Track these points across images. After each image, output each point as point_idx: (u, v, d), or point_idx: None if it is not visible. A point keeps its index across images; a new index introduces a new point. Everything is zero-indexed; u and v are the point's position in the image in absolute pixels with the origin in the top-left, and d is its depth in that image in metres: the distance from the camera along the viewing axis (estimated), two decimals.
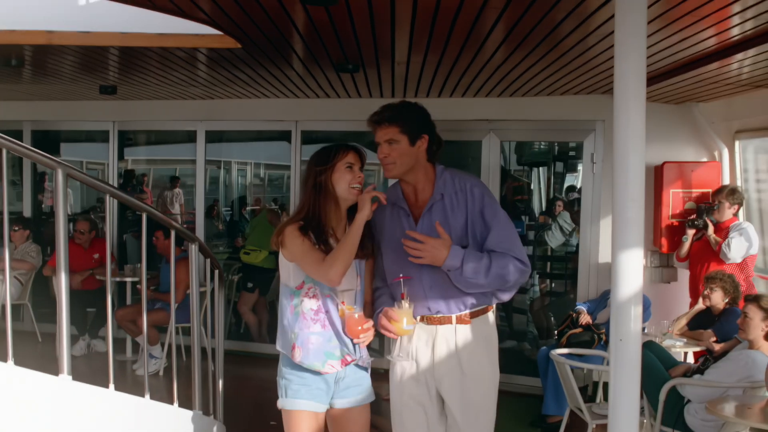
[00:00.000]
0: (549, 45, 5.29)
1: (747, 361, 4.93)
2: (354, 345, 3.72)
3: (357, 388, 3.86)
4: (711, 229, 7.09)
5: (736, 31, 4.89)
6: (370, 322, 3.66)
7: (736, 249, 6.82)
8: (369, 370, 3.95)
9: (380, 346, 7.73)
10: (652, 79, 6.51)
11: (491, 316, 3.89)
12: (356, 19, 4.67)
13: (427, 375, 3.79)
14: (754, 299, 5.16)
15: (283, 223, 3.72)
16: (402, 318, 3.58)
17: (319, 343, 3.70)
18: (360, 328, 3.60)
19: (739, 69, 6.04)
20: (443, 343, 3.76)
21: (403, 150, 3.63)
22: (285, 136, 9.30)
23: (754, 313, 5.00)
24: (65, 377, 3.97)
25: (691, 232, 7.29)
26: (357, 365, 3.83)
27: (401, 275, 3.67)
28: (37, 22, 5.42)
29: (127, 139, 10.43)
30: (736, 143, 7.67)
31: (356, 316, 3.61)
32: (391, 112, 3.64)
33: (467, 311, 3.76)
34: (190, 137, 9.57)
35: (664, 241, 7.70)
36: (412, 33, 5.03)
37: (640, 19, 3.42)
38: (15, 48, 5.87)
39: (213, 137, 9.68)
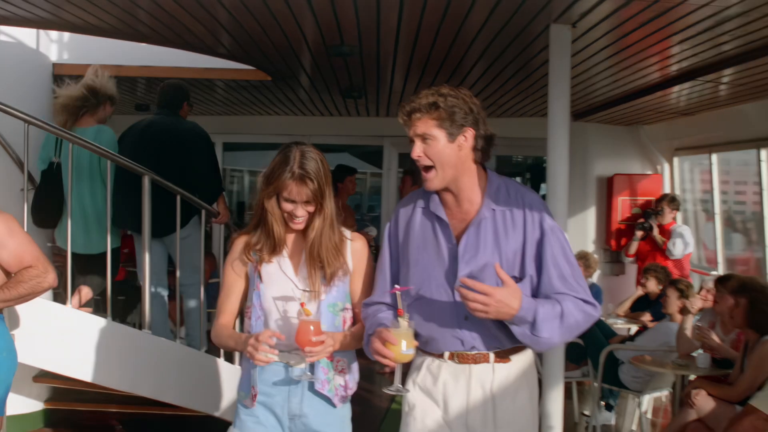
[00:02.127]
0: (519, 81, 6.63)
1: (666, 330, 6.25)
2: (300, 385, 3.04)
3: None
4: (656, 230, 8.44)
5: (674, 67, 5.91)
6: (324, 336, 2.86)
7: (679, 248, 8.18)
8: (348, 404, 3.19)
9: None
10: (606, 105, 7.83)
11: (531, 351, 3.09)
12: (366, 63, 6.02)
13: (458, 425, 3.00)
14: (672, 282, 6.49)
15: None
16: (400, 340, 2.81)
17: (245, 370, 3.15)
18: (311, 339, 2.83)
19: (677, 98, 7.23)
20: (478, 387, 2.96)
21: (441, 149, 2.85)
22: None
23: (672, 293, 6.32)
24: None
25: (639, 233, 8.63)
26: (325, 399, 3.07)
27: (396, 286, 2.93)
28: (108, 59, 6.73)
29: None
30: (675, 159, 9.02)
31: (310, 325, 2.86)
32: (426, 99, 2.86)
33: (508, 347, 2.95)
34: None
35: (613, 242, 9.08)
36: (408, 71, 6.36)
37: (565, 69, 4.57)
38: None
39: (229, 148, 10.89)
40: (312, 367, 3.00)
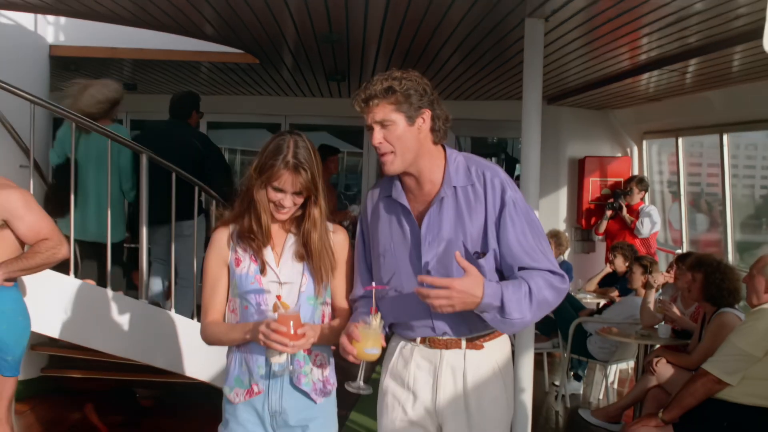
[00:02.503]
0: (492, 62, 6.96)
1: (631, 304, 6.64)
2: (279, 382, 2.94)
3: (302, 428, 3.01)
4: (625, 210, 8.82)
5: (643, 56, 6.22)
6: (306, 328, 2.77)
7: (647, 228, 8.57)
8: (331, 399, 3.10)
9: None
10: (578, 90, 8.15)
11: (507, 338, 3.06)
12: (351, 50, 6.33)
13: (427, 412, 2.99)
14: (637, 259, 6.89)
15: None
16: (366, 339, 2.75)
17: (231, 365, 3.03)
18: (291, 331, 2.72)
19: (646, 85, 7.56)
20: (449, 373, 2.94)
21: (401, 133, 2.79)
22: (274, 128, 10.55)
23: (636, 269, 6.71)
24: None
25: (609, 212, 9.01)
26: (304, 394, 2.98)
27: (373, 284, 2.88)
28: (102, 41, 7.00)
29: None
30: (644, 142, 9.41)
31: (290, 320, 2.74)
32: (381, 84, 2.79)
33: (481, 333, 2.93)
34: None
35: (583, 221, 9.45)
36: (391, 58, 6.67)
37: (538, 60, 4.88)
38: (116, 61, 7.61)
39: (212, 126, 11.14)
40: (291, 359, 2.92)
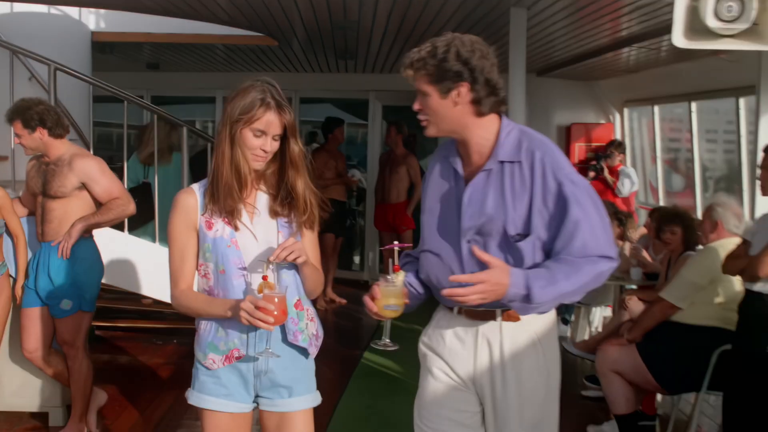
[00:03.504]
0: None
1: None
2: (265, 335, 2.87)
3: (287, 389, 2.99)
4: (606, 171, 9.68)
5: (623, 33, 6.81)
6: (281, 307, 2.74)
7: (627, 187, 9.43)
8: (311, 358, 3.08)
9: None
10: (564, 64, 8.96)
11: (551, 312, 2.93)
12: (360, 34, 7.18)
13: (465, 384, 2.93)
14: (614, 213, 7.77)
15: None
16: (387, 296, 2.79)
17: (205, 331, 2.96)
18: (276, 311, 2.70)
19: (626, 59, 8.24)
20: (485, 345, 2.87)
21: (435, 105, 2.73)
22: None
23: (612, 221, 7.61)
24: None
25: (591, 173, 9.86)
26: (294, 351, 2.98)
27: (395, 243, 2.94)
28: (131, 27, 7.86)
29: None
30: (625, 110, 10.19)
31: (275, 298, 2.72)
32: (417, 54, 2.73)
33: None
34: (210, 101, 11.64)
35: None
36: (395, 40, 7.50)
37: (521, 45, 5.70)
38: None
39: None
40: (269, 339, 2.89)
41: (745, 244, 4.59)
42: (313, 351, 3.06)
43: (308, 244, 3.03)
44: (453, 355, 2.93)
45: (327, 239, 9.18)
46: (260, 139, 2.83)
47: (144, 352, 7.40)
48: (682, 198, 9.24)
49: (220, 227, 2.91)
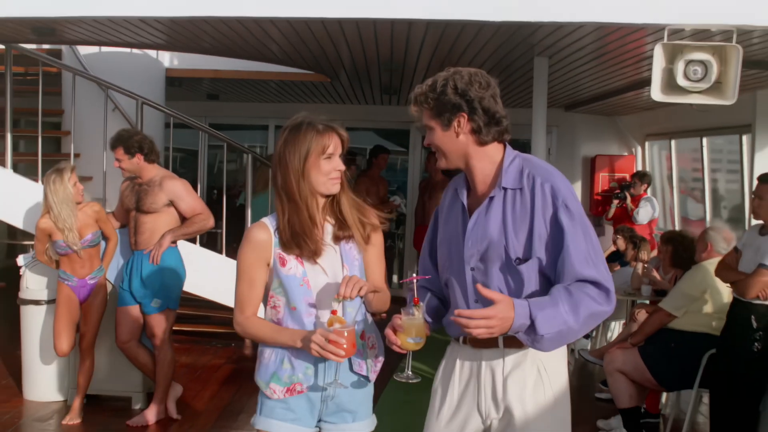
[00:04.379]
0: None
1: (626, 272, 8.30)
2: (333, 365, 2.96)
3: (351, 413, 3.10)
4: (629, 200, 10.46)
5: (644, 74, 7.21)
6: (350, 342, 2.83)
7: (644, 215, 10.12)
8: (371, 385, 3.17)
9: None
10: (589, 101, 9.78)
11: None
12: (405, 72, 8.09)
13: (472, 415, 2.93)
14: (630, 237, 8.58)
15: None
16: (410, 329, 2.80)
17: (269, 360, 3.04)
18: (345, 345, 2.80)
19: (646, 97, 8.69)
20: (488, 374, 2.87)
21: (439, 138, 2.82)
22: None
23: (628, 244, 8.43)
24: None
25: (615, 201, 10.64)
26: (359, 379, 3.08)
27: (414, 275, 2.95)
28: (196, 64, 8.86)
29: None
30: (646, 143, 10.99)
31: (345, 332, 2.81)
32: (420, 89, 2.86)
33: None
34: (263, 128, 12.71)
35: (594, 210, 11.14)
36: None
37: (543, 89, 6.47)
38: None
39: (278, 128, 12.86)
40: (338, 371, 2.99)
41: (736, 251, 5.43)
42: (373, 377, 3.14)
43: (371, 263, 3.12)
44: (460, 384, 2.96)
45: None
46: (331, 161, 2.93)
47: (205, 354, 8.31)
48: (699, 225, 9.97)
49: (294, 265, 2.97)
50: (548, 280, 2.74)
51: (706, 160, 8.90)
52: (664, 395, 6.70)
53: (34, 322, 6.49)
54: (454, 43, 6.19)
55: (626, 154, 11.29)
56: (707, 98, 4.23)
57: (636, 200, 10.41)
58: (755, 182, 5.47)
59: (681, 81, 4.11)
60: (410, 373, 2.94)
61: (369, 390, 3.17)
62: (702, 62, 4.06)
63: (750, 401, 5.27)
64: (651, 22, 4.26)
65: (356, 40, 6.26)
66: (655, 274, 7.47)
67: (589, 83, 8.23)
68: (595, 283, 2.63)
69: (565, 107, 10.64)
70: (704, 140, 8.84)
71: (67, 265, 5.93)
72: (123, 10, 4.81)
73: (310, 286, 2.97)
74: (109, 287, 6.24)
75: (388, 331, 2.85)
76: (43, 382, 6.53)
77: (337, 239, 3.02)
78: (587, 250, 2.66)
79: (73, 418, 6.03)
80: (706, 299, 5.88)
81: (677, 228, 10.12)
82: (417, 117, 2.89)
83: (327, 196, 3.01)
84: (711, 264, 5.79)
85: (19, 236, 11.15)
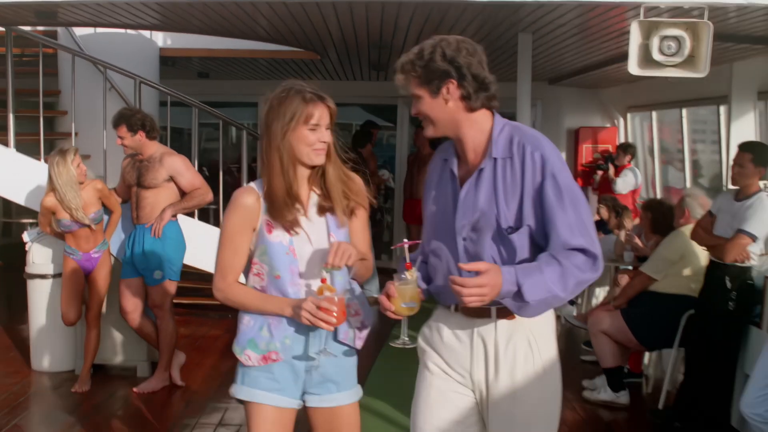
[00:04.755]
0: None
1: (609, 239, 8.59)
2: (318, 335, 2.98)
3: (336, 383, 3.08)
4: (611, 170, 10.73)
5: (623, 48, 7.22)
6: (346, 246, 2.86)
7: (622, 185, 10.31)
8: (355, 355, 3.15)
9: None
10: (572, 74, 10.02)
11: (548, 315, 2.89)
12: (392, 49, 8.33)
13: (464, 383, 2.93)
14: (613, 207, 8.87)
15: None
16: (404, 294, 2.79)
17: (248, 327, 3.01)
18: (335, 312, 2.82)
19: (626, 70, 9.33)
20: (480, 343, 2.87)
21: (427, 106, 2.79)
22: None
23: (610, 212, 8.72)
24: None
25: (599, 172, 10.94)
26: (344, 348, 3.07)
27: (406, 240, 2.93)
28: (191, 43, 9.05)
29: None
30: (628, 115, 11.27)
31: (335, 298, 2.83)
32: (406, 57, 2.82)
33: None
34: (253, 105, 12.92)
35: (579, 180, 11.42)
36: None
37: (527, 67, 6.71)
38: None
39: None
40: (326, 339, 3.00)
41: (710, 215, 5.73)
42: (359, 344, 3.13)
43: (356, 231, 3.12)
44: (450, 351, 2.93)
45: None
46: (316, 132, 2.89)
47: (203, 325, 8.58)
48: (680, 193, 10.25)
49: (280, 233, 2.94)
50: (540, 249, 2.73)
51: (686, 131, 9.19)
52: (647, 355, 7.00)
53: (40, 295, 6.73)
54: (441, 22, 6.42)
55: (609, 126, 11.56)
56: (681, 71, 4.50)
57: (619, 171, 10.68)
58: (732, 151, 5.73)
59: (656, 56, 4.38)
60: (406, 338, 2.93)
61: (354, 360, 3.14)
62: (676, 38, 4.34)
63: (725, 358, 5.56)
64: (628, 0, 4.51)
65: (348, 19, 6.49)
66: (637, 241, 7.75)
67: (571, 57, 8.48)
68: (583, 251, 2.64)
69: (549, 81, 10.89)
70: (684, 111, 9.12)
71: (71, 241, 6.18)
72: None
73: (296, 254, 2.95)
74: (113, 260, 6.49)
75: (382, 298, 2.80)
76: (50, 353, 6.79)
77: (322, 210, 3.01)
78: (575, 218, 2.65)
79: (82, 386, 6.30)
80: (685, 263, 6.18)
81: (659, 196, 10.40)
82: (403, 86, 2.83)
83: (313, 167, 2.99)
84: (688, 229, 6.08)
85: (14, 215, 11.44)
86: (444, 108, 2.78)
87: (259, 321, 2.98)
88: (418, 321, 3.01)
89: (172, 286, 6.32)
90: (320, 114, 2.89)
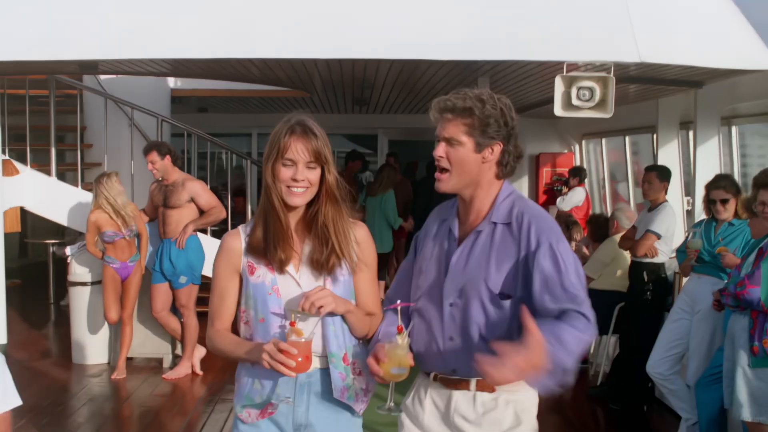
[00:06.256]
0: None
1: None
2: (305, 387, 2.75)
3: None
4: (564, 191, 11.97)
5: None
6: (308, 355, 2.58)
7: (564, 202, 11.32)
8: (358, 414, 2.88)
9: None
10: (531, 106, 11.32)
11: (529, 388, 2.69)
12: (374, 89, 9.68)
13: None
14: (561, 218, 10.17)
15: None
16: (393, 359, 2.59)
17: (244, 382, 2.81)
18: (299, 358, 2.53)
19: None
20: (459, 418, 2.72)
21: (464, 157, 2.63)
22: None
23: (562, 226, 10.02)
24: None
25: (555, 193, 12.28)
26: (340, 407, 2.80)
27: (399, 302, 2.73)
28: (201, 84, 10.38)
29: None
30: (583, 142, 12.57)
31: (302, 340, 2.56)
32: (462, 101, 2.60)
33: None
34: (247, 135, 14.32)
35: (539, 201, 12.74)
36: (399, 92, 10.02)
37: None
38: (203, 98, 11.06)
39: (262, 136, 14.44)
40: (295, 392, 2.75)
41: (633, 228, 7.08)
42: (361, 407, 2.86)
43: (361, 286, 2.85)
44: (429, 422, 2.81)
45: None
46: (290, 168, 2.64)
47: None
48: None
49: (263, 272, 2.73)
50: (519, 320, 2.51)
51: (629, 154, 10.58)
52: (591, 346, 8.31)
53: (81, 300, 8.03)
54: (414, 70, 7.80)
55: (566, 151, 12.91)
56: (593, 113, 5.88)
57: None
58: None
59: (575, 101, 5.74)
60: (392, 404, 2.75)
61: (354, 421, 2.87)
62: (589, 88, 5.70)
63: (646, 336, 6.84)
64: (554, 59, 5.88)
65: (336, 67, 7.82)
66: (585, 250, 9.10)
67: (525, 94, 9.82)
68: (581, 314, 2.50)
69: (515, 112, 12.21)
70: (627, 138, 10.51)
71: (111, 251, 7.47)
72: (162, 53, 6.28)
73: (279, 294, 2.72)
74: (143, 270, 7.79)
75: (371, 361, 2.65)
76: (89, 348, 8.07)
77: (315, 262, 2.75)
78: (569, 283, 2.55)
79: (119, 374, 7.59)
80: (616, 265, 7.52)
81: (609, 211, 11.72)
82: (443, 123, 2.68)
83: (307, 208, 2.77)
84: (618, 237, 7.44)
85: (30, 235, 12.66)
86: (478, 166, 2.68)
87: (251, 373, 2.79)
88: (406, 382, 2.82)
89: (195, 289, 7.61)
90: (297, 149, 2.64)
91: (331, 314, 2.70)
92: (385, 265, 11.63)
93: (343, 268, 2.78)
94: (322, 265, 2.74)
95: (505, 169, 2.72)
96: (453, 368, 2.72)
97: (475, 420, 2.71)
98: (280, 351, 2.53)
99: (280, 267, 2.72)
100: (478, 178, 2.70)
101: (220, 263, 2.82)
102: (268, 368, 2.57)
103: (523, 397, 2.72)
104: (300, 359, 2.54)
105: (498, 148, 2.66)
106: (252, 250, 2.75)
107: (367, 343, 2.89)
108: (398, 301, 2.75)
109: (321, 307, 2.62)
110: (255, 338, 2.75)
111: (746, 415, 4.66)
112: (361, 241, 2.83)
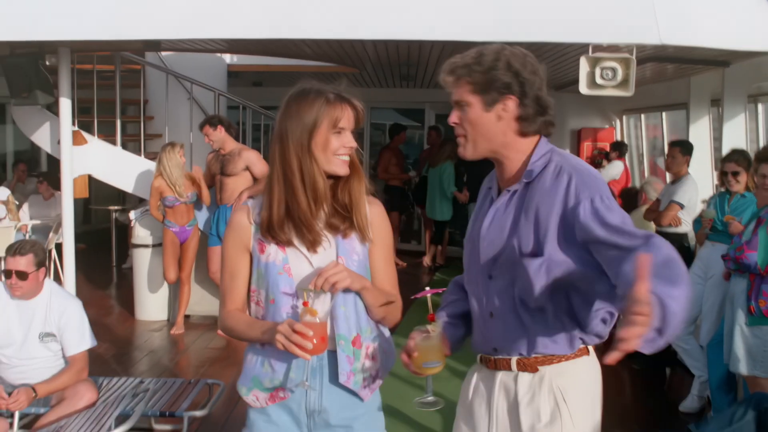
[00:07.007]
0: None
1: None
2: (316, 369, 2.58)
3: (345, 428, 2.64)
4: (605, 164, 12.38)
5: None
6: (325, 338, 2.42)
7: (604, 175, 11.55)
8: (371, 404, 2.71)
9: None
10: (572, 83, 11.74)
11: (583, 365, 2.49)
12: (419, 66, 10.15)
13: None
14: None
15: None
16: (426, 351, 2.43)
17: (251, 363, 2.66)
18: (315, 339, 2.37)
19: None
20: (503, 399, 2.54)
21: (475, 118, 2.42)
22: None
23: None
24: None
25: (598, 167, 12.63)
26: (346, 393, 2.61)
27: (427, 288, 2.55)
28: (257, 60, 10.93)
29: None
30: (624, 117, 12.91)
31: (317, 320, 2.40)
32: (464, 59, 2.43)
33: (536, 355, 2.44)
34: None
35: None
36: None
37: None
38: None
39: None
40: (311, 374, 2.58)
41: (658, 201, 7.49)
42: (366, 394, 2.67)
43: (377, 265, 2.71)
44: (476, 408, 2.66)
45: (392, 217, 12.10)
46: (341, 136, 2.54)
47: None
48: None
49: (273, 251, 2.59)
50: (561, 286, 2.39)
51: (666, 130, 10.92)
52: None
53: (143, 261, 8.71)
54: (455, 49, 8.13)
55: (607, 126, 13.24)
56: (616, 91, 6.30)
57: None
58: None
59: (599, 80, 6.18)
60: (430, 397, 2.59)
61: (368, 405, 2.70)
62: (612, 68, 6.13)
63: None
64: (580, 41, 6.32)
65: (382, 47, 8.32)
66: None
67: (566, 71, 10.21)
68: (645, 237, 2.19)
69: (555, 88, 12.62)
70: (663, 114, 10.85)
71: (171, 216, 8.09)
72: (220, 33, 6.84)
73: (291, 274, 2.58)
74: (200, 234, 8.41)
75: (404, 356, 2.51)
76: (150, 305, 8.75)
77: (331, 228, 2.62)
78: (624, 226, 2.26)
79: (178, 329, 8.25)
80: None
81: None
82: (450, 88, 2.52)
83: (331, 177, 2.59)
84: (644, 208, 7.87)
85: (93, 202, 13.38)
86: (494, 124, 2.46)
87: (261, 355, 2.64)
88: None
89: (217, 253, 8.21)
90: (347, 117, 2.55)
91: (346, 292, 2.56)
92: (442, 233, 12.31)
93: (358, 244, 2.65)
94: (338, 228, 2.62)
95: (529, 126, 2.46)
96: (494, 346, 2.56)
97: (513, 408, 2.53)
98: (295, 332, 2.39)
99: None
100: (499, 138, 2.48)
101: (229, 241, 2.69)
102: (281, 350, 2.43)
103: (569, 382, 2.48)
104: (316, 341, 2.40)
105: (512, 103, 2.42)
106: (263, 228, 2.59)
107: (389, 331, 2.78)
108: (427, 288, 2.58)
109: (335, 283, 2.47)
110: (267, 319, 2.62)
111: (743, 369, 5.11)
112: (374, 218, 2.69)
